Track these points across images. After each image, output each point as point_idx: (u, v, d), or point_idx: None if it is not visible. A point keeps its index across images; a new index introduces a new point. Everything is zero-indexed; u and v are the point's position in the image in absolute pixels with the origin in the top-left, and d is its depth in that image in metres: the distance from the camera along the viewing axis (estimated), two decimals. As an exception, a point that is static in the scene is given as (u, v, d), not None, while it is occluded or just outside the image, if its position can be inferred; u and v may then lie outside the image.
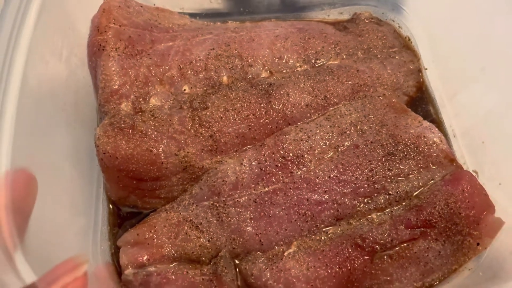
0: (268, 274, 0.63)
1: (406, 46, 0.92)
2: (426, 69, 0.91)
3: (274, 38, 0.82)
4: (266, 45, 0.81)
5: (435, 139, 0.72)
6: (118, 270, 0.67)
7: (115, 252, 0.70)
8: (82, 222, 0.70)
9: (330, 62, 0.83)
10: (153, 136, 0.69)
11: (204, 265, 0.65)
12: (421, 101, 0.87)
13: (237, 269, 0.65)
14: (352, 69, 0.82)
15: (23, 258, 0.48)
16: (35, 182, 0.56)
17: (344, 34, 0.89)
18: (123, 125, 0.68)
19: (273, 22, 0.91)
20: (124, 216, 0.74)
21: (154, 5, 0.85)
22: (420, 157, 0.70)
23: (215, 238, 0.66)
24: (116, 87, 0.71)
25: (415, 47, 0.93)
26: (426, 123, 0.74)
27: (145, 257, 0.65)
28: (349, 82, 0.80)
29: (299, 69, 0.81)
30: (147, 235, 0.67)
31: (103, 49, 0.71)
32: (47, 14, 0.68)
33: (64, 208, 0.67)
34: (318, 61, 0.82)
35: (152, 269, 0.64)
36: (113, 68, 0.71)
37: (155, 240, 0.66)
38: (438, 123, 0.85)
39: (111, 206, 0.74)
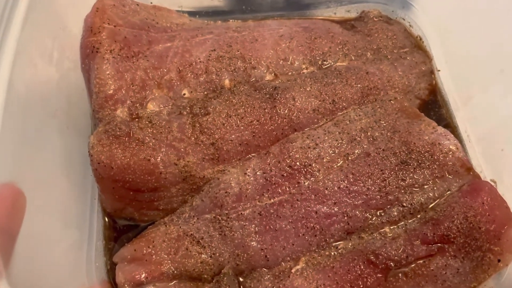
0: (275, 292, 0.60)
1: (418, 46, 0.89)
2: (439, 70, 0.87)
3: (279, 38, 0.79)
4: (270, 45, 0.78)
5: (450, 147, 0.69)
6: (114, 288, 0.65)
7: (111, 269, 0.68)
8: (76, 237, 0.68)
9: (338, 64, 0.80)
10: (151, 144, 0.67)
11: (206, 283, 0.63)
12: (433, 105, 0.85)
13: (241, 287, 0.63)
14: (361, 71, 0.78)
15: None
16: (23, 198, 0.53)
17: (352, 33, 0.86)
18: (118, 133, 0.66)
19: (277, 20, 0.88)
20: (120, 230, 0.72)
21: (151, 3, 0.82)
22: (435, 166, 0.67)
23: (217, 254, 0.64)
24: (111, 91, 0.68)
25: (427, 47, 0.90)
26: (440, 129, 0.71)
27: (143, 275, 0.63)
28: (359, 85, 0.77)
29: (305, 71, 0.78)
30: (145, 251, 0.65)
31: (97, 51, 0.69)
32: (36, 13, 0.66)
33: (56, 222, 0.65)
34: (325, 62, 0.80)
35: (150, 287, 0.62)
36: (108, 72, 0.68)
37: (153, 256, 0.64)
38: (452, 128, 0.82)
39: (106, 219, 0.72)
